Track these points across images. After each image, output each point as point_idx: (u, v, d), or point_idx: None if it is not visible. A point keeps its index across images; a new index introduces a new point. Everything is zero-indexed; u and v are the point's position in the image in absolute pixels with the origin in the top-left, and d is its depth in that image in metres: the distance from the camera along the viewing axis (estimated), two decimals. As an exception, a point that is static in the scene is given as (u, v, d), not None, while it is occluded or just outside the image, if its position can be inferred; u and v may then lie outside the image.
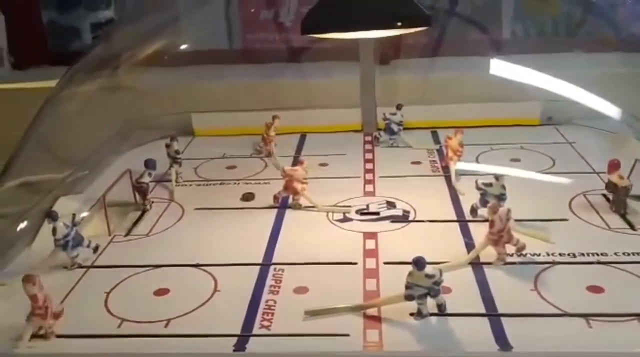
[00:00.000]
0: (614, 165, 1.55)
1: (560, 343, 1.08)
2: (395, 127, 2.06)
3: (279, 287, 1.28)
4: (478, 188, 1.51)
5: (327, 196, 1.67)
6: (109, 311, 1.24)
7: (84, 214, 1.55)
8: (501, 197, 1.46)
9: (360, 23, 1.34)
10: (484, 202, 1.50)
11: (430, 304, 1.17)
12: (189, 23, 2.20)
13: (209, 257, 1.41)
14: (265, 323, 1.17)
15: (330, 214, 1.60)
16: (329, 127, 2.21)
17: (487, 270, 1.31)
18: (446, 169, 1.81)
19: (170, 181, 1.83)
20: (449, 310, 1.17)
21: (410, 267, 1.15)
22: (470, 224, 1.51)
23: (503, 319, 1.15)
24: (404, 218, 1.57)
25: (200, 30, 2.29)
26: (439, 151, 1.98)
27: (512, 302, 1.19)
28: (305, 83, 2.29)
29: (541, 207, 1.56)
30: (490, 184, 1.50)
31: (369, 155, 2.00)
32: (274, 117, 2.03)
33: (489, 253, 1.34)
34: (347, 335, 1.12)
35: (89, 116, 1.87)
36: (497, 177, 1.49)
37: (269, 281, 1.30)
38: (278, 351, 1.11)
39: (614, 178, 1.54)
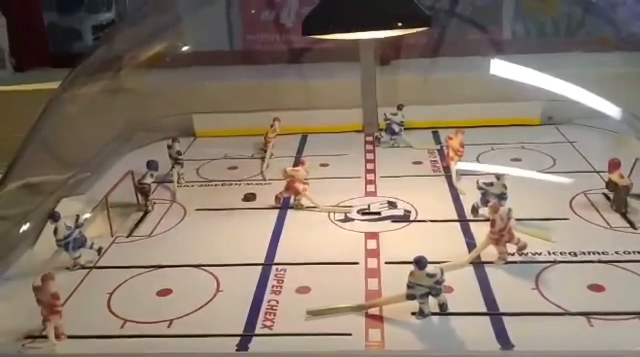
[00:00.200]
0: (614, 165, 1.56)
1: (562, 342, 1.09)
2: (396, 128, 2.06)
3: (281, 287, 1.29)
4: (479, 188, 1.52)
5: (328, 196, 1.67)
6: (111, 311, 1.24)
7: (87, 215, 1.55)
8: (502, 197, 1.47)
9: (361, 24, 1.35)
10: (485, 202, 1.50)
11: (432, 303, 1.17)
12: (189, 24, 2.21)
13: (211, 257, 1.41)
14: (268, 323, 1.17)
15: (331, 214, 1.60)
16: (330, 128, 2.21)
17: (488, 269, 1.31)
18: (447, 169, 1.81)
19: (172, 181, 1.83)
20: (450, 309, 1.17)
21: (411, 267, 1.16)
22: (472, 224, 1.51)
23: (504, 318, 1.15)
24: (405, 218, 1.57)
25: (201, 31, 2.29)
26: (440, 151, 1.98)
27: (513, 301, 1.20)
28: (306, 84, 2.29)
29: (542, 207, 1.56)
30: (491, 184, 1.50)
31: (370, 156, 2.00)
32: (274, 120, 2.04)
33: (490, 252, 1.34)
34: (349, 334, 1.13)
35: (91, 118, 1.88)
36: (498, 176, 1.50)
37: (271, 281, 1.31)
38: (280, 350, 1.12)
39: (615, 177, 1.55)
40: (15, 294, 1.28)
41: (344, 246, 1.44)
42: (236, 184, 1.84)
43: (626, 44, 2.09)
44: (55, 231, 1.39)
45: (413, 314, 1.17)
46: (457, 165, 1.77)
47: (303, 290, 1.27)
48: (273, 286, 1.29)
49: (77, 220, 1.42)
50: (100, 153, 1.95)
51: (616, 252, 1.35)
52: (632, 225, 1.47)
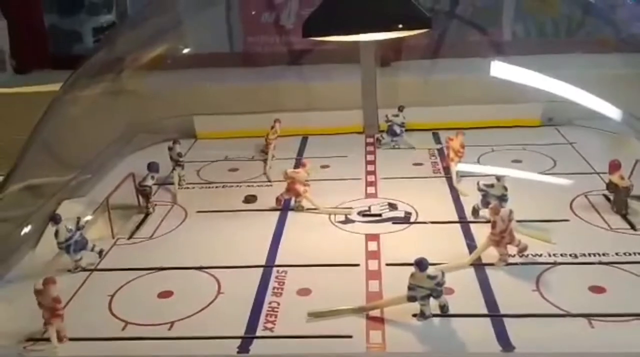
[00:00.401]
0: (614, 166, 1.56)
1: (563, 343, 1.09)
2: (397, 129, 2.06)
3: (282, 289, 1.29)
4: (480, 189, 1.51)
5: (329, 198, 1.67)
6: (113, 313, 1.24)
7: (88, 217, 1.55)
8: (503, 198, 1.47)
9: (361, 26, 1.35)
10: (485, 203, 1.50)
11: (433, 305, 1.17)
12: (190, 26, 2.21)
13: (212, 259, 1.41)
14: (269, 325, 1.17)
15: (332, 216, 1.61)
16: (330, 129, 2.21)
17: (489, 271, 1.32)
18: (447, 171, 1.81)
19: (173, 183, 1.83)
20: (451, 311, 1.17)
21: (412, 269, 1.16)
22: (472, 225, 1.52)
23: (505, 319, 1.15)
24: (405, 219, 1.57)
25: (202, 33, 2.29)
26: (440, 152, 1.99)
27: (514, 303, 1.20)
28: (306, 85, 2.29)
29: (542, 208, 1.56)
30: (491, 185, 1.50)
31: (370, 157, 2.01)
32: (275, 121, 2.04)
33: (490, 254, 1.34)
34: (350, 336, 1.13)
35: (92, 120, 1.88)
36: (499, 178, 1.50)
37: (272, 283, 1.31)
38: (281, 352, 1.12)
39: (615, 178, 1.55)
40: (17, 297, 1.28)
41: (344, 248, 1.45)
42: (237, 185, 1.84)
43: (626, 45, 2.09)
44: (57, 234, 1.39)
45: (414, 315, 1.17)
46: (457, 167, 1.77)
47: (304, 292, 1.27)
48: (274, 288, 1.29)
49: (78, 222, 1.42)
50: (101, 155, 1.95)
51: (617, 254, 1.35)
52: (633, 226, 1.47)
